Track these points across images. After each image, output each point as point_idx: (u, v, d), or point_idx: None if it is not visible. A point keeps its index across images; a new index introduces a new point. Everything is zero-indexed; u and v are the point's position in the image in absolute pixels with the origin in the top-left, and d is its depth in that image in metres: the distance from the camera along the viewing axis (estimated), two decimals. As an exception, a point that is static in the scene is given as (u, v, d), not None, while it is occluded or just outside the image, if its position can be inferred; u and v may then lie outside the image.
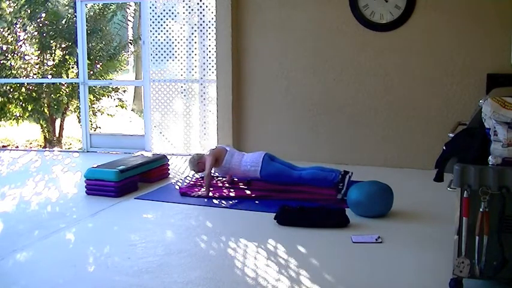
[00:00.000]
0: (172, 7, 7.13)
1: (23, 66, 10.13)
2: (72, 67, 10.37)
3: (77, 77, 8.43)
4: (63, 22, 10.22)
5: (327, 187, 4.94)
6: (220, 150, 5.23)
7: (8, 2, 9.93)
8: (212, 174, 5.22)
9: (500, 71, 5.66)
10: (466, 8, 5.85)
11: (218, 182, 5.43)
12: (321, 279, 3.18)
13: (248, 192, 5.11)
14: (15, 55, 10.12)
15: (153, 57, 7.25)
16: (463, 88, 5.92)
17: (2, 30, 9.99)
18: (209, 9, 7.00)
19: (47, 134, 10.79)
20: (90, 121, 9.29)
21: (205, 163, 5.13)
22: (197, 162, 5.27)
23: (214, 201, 4.85)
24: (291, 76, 6.52)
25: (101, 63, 10.75)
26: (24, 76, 10.10)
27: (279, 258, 3.51)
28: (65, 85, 10.30)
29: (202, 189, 5.09)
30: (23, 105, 10.27)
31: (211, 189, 5.15)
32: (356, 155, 6.31)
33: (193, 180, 5.63)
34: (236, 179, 5.47)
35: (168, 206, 4.74)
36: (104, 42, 11.03)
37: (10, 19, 9.87)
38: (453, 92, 5.97)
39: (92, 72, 10.21)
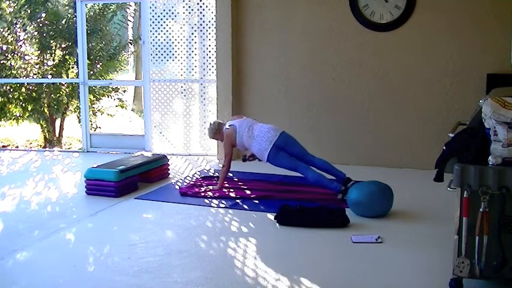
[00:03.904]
0: (172, 7, 7.13)
1: (23, 66, 10.12)
2: (72, 67, 10.37)
3: (77, 77, 8.43)
4: (63, 22, 10.21)
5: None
6: (231, 132, 5.12)
7: (8, 2, 9.92)
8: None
9: (500, 71, 5.66)
10: (466, 8, 5.85)
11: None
12: (321, 279, 3.18)
13: (248, 192, 5.11)
14: (15, 55, 10.12)
15: (153, 57, 7.25)
16: (463, 88, 5.92)
17: (2, 30, 9.98)
18: (209, 9, 7.00)
19: (47, 134, 10.78)
20: (90, 121, 9.28)
21: (224, 153, 5.16)
22: (216, 131, 5.28)
23: (214, 201, 4.85)
24: (291, 76, 6.52)
25: (101, 63, 10.74)
26: (24, 76, 10.09)
27: (279, 258, 3.51)
28: (65, 85, 10.29)
29: (212, 187, 5.14)
30: (23, 105, 10.26)
31: (210, 187, 5.15)
32: (356, 155, 6.31)
33: (193, 180, 5.63)
34: (236, 179, 5.47)
35: (168, 206, 4.74)
36: (104, 42, 11.02)
37: (10, 19, 9.86)
38: (453, 92, 5.97)
39: (92, 72, 10.20)
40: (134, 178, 5.28)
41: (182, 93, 7.25)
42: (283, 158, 4.90)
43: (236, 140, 5.09)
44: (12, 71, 10.02)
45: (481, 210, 2.73)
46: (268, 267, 3.35)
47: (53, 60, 10.32)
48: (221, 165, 5.52)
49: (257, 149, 4.98)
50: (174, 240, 3.92)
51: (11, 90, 10.07)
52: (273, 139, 4.90)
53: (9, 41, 10.05)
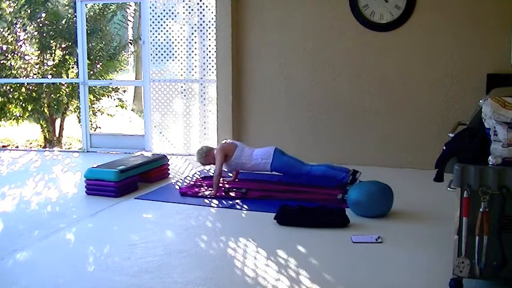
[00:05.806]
0: (172, 7, 7.13)
1: (23, 66, 10.12)
2: (72, 67, 10.37)
3: (77, 77, 8.43)
4: (63, 22, 10.21)
5: (332, 187, 4.97)
6: (230, 145, 5.26)
7: (8, 2, 9.92)
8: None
9: (500, 71, 5.66)
10: (466, 8, 5.85)
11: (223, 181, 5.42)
12: (321, 279, 3.18)
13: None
14: (15, 55, 10.12)
15: (153, 57, 7.25)
16: (463, 88, 5.92)
17: (2, 30, 9.98)
18: (209, 9, 7.00)
19: (47, 134, 10.78)
20: (90, 121, 9.27)
21: (216, 161, 5.15)
22: (205, 155, 5.30)
23: (214, 201, 4.85)
24: (291, 76, 6.52)
25: (101, 63, 10.74)
26: (24, 76, 10.09)
27: (279, 258, 3.50)
28: (65, 85, 10.30)
29: (210, 189, 5.10)
30: (23, 105, 10.26)
31: (207, 193, 5.13)
32: (356, 155, 6.31)
33: (193, 180, 5.63)
34: (237, 180, 5.46)
35: (168, 206, 4.74)
36: (104, 42, 11.02)
37: (10, 19, 9.86)
38: (453, 92, 5.97)
39: (92, 72, 10.20)
40: (134, 178, 5.28)
41: (182, 93, 7.25)
42: (286, 158, 5.16)
43: (234, 153, 5.17)
44: (12, 71, 10.02)
45: (481, 210, 2.73)
46: (268, 267, 3.36)
47: (53, 60, 10.32)
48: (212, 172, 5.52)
49: (260, 155, 5.15)
50: (174, 240, 3.92)
51: (11, 90, 10.07)
52: (273, 148, 5.23)
53: (9, 41, 10.04)
